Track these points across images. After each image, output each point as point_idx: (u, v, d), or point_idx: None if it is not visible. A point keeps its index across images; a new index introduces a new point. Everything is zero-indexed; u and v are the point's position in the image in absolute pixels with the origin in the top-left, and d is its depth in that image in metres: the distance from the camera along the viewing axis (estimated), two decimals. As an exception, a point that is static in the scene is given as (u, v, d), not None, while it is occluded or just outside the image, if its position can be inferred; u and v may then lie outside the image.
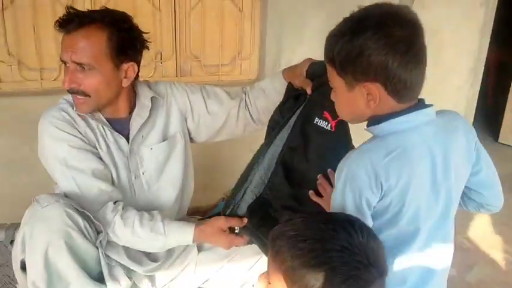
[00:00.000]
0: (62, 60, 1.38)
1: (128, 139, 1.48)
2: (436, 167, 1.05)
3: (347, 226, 0.85)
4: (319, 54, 2.37)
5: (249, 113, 1.63)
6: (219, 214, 1.52)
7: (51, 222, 1.26)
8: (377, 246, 0.87)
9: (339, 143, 1.31)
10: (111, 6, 2.15)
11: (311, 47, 2.53)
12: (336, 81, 1.06)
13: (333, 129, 1.31)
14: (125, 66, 1.40)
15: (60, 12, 1.48)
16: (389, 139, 1.02)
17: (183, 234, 1.41)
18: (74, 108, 1.41)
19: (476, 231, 2.48)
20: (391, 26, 0.97)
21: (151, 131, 1.52)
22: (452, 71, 2.93)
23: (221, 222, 1.40)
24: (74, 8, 1.36)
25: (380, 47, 0.96)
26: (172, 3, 2.30)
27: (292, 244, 0.85)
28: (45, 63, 2.18)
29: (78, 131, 1.40)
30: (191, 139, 1.67)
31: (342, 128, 1.32)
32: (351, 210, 1.01)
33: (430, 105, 1.06)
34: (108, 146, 1.45)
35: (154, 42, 2.31)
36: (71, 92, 1.37)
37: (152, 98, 1.51)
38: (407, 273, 1.08)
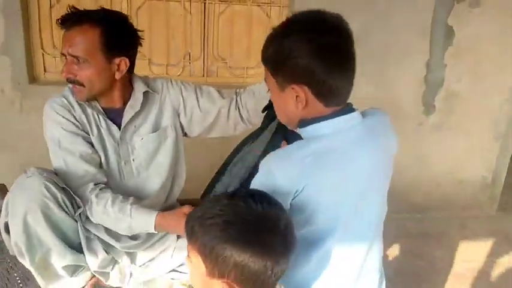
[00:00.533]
0: (63, 54, 1.52)
1: (120, 127, 1.61)
2: (358, 170, 1.06)
3: (247, 199, 0.90)
4: None
5: (239, 113, 1.71)
6: None
7: (30, 191, 1.41)
8: (278, 215, 0.91)
9: None
10: (145, 9, 2.39)
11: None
12: (270, 82, 1.11)
13: None
14: (117, 60, 1.52)
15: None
16: (313, 142, 1.05)
17: (147, 217, 1.47)
18: (74, 96, 1.59)
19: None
20: (316, 32, 1.01)
21: (144, 122, 1.64)
22: (493, 88, 2.78)
23: (185, 208, 1.45)
24: (74, 8, 1.52)
25: (305, 51, 1.00)
26: (202, 7, 2.46)
27: (200, 223, 0.92)
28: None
29: (74, 116, 1.54)
30: (185, 134, 1.77)
31: None
32: None
33: (354, 110, 1.08)
34: (100, 132, 1.58)
35: (183, 43, 2.51)
36: (69, 81, 1.52)
37: (145, 93, 1.64)
38: (320, 267, 1.11)
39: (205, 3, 2.45)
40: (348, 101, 1.12)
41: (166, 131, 1.67)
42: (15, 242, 1.43)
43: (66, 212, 1.47)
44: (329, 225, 1.08)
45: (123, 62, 1.55)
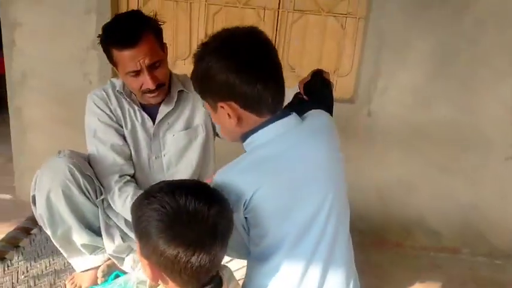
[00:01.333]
0: (134, 71, 1.53)
1: (154, 123, 1.68)
2: (301, 170, 1.03)
3: (174, 192, 0.89)
4: (423, 80, 2.26)
5: None
6: None
7: (55, 171, 1.52)
8: (199, 207, 0.89)
9: None
10: (222, 15, 2.48)
11: (415, 72, 2.42)
12: (205, 104, 1.12)
13: None
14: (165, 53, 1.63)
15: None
16: (254, 152, 1.04)
17: None
18: (117, 89, 1.65)
19: None
20: (232, 48, 1.01)
21: (177, 120, 1.70)
22: None
23: None
24: (124, 23, 1.53)
25: (221, 68, 1.00)
26: (276, 15, 2.48)
27: (134, 215, 0.94)
28: None
29: (110, 109, 1.64)
30: (217, 134, 1.80)
31: None
32: None
33: (290, 114, 1.06)
34: (133, 126, 1.66)
35: (255, 49, 2.53)
36: (158, 88, 1.57)
37: (180, 91, 1.69)
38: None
39: (279, 11, 2.47)
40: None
41: (197, 129, 1.71)
42: (40, 215, 1.57)
43: (87, 197, 1.57)
44: (282, 232, 1.04)
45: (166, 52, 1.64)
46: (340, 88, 2.57)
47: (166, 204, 0.86)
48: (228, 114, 1.04)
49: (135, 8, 2.55)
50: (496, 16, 2.31)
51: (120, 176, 1.61)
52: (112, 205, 1.61)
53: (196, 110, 1.73)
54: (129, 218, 1.56)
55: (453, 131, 2.49)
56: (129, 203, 1.55)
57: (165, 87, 1.63)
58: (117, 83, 1.69)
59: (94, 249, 1.64)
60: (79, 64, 2.54)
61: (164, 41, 1.66)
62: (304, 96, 1.52)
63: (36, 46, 2.60)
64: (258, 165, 1.02)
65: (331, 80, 1.61)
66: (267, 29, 2.50)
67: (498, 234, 2.66)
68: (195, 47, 2.53)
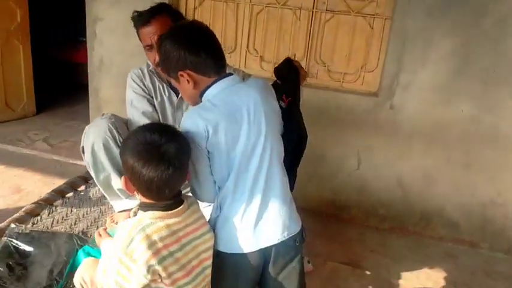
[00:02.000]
0: (147, 45, 1.90)
1: (177, 95, 2.03)
2: (247, 113, 1.36)
3: (146, 130, 1.24)
4: (444, 77, 2.43)
5: None
6: None
7: (98, 128, 1.91)
8: (165, 140, 1.21)
9: (290, 115, 1.65)
10: (263, 15, 2.85)
11: (436, 70, 2.58)
12: (172, 80, 1.47)
13: (285, 106, 1.66)
14: None
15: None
16: (208, 101, 1.37)
17: None
18: (150, 68, 2.03)
19: None
20: (180, 32, 1.40)
21: None
22: None
23: None
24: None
25: (174, 47, 1.36)
26: (310, 15, 2.78)
27: (121, 145, 1.31)
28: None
29: (144, 84, 2.02)
30: None
31: (293, 105, 1.65)
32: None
33: (230, 75, 1.41)
34: (162, 99, 2.03)
35: (291, 45, 2.87)
36: None
37: None
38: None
39: (313, 11, 2.76)
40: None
41: None
42: (87, 162, 1.99)
43: None
44: (231, 161, 1.37)
45: None
46: (367, 83, 2.80)
47: (139, 137, 1.23)
48: (187, 80, 1.38)
49: (192, 7, 2.99)
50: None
51: None
52: None
53: None
54: None
55: (473, 127, 2.61)
56: None
57: None
58: (149, 63, 2.09)
59: (128, 194, 2.05)
60: (143, 53, 3.02)
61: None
62: (278, 81, 1.84)
63: (112, 38, 3.15)
64: (213, 107, 1.36)
65: (301, 67, 1.92)
66: (301, 27, 2.81)
67: (518, 233, 2.72)
68: (240, 42, 2.93)
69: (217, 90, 1.38)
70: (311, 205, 2.92)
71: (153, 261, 1.16)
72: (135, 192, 1.27)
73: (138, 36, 1.93)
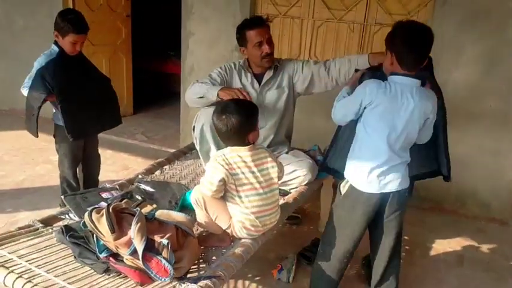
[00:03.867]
0: (259, 42, 2.55)
1: (260, 84, 2.69)
2: (402, 106, 1.92)
3: (230, 106, 1.92)
4: (472, 79, 2.99)
5: (328, 74, 2.59)
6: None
7: (207, 114, 2.46)
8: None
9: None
10: (323, 28, 3.51)
11: (465, 72, 3.10)
12: (387, 54, 1.99)
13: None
14: None
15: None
16: (387, 83, 1.92)
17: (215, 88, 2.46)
18: (240, 64, 2.69)
19: None
20: (410, 30, 1.94)
21: (273, 82, 2.68)
22: None
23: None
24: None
25: (399, 40, 1.92)
26: (362, 28, 3.39)
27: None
28: None
29: (227, 73, 2.67)
30: (298, 93, 2.74)
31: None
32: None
33: (419, 79, 1.92)
34: (243, 85, 2.66)
35: (345, 53, 3.49)
36: (270, 54, 2.58)
37: (275, 66, 2.68)
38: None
39: (364, 25, 3.38)
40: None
41: (284, 88, 2.69)
42: (195, 137, 2.69)
43: None
44: (377, 127, 1.95)
45: None
46: (409, 83, 3.35)
47: (230, 105, 1.92)
48: (390, 59, 1.92)
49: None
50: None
51: None
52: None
53: (284, 76, 2.70)
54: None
55: (500, 119, 3.08)
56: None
57: (273, 56, 2.65)
58: (240, 61, 2.76)
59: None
60: (225, 61, 3.77)
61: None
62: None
63: (200, 49, 3.94)
64: (387, 89, 1.89)
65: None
66: (354, 38, 3.44)
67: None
68: (303, 50, 3.60)
69: (399, 81, 1.91)
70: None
71: (227, 172, 1.85)
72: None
73: (245, 36, 2.59)
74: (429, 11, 3.18)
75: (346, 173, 2.09)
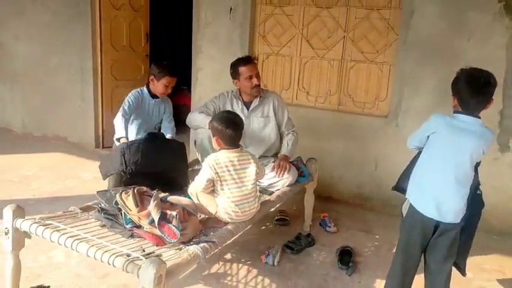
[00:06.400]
0: (249, 76, 3.22)
1: (248, 109, 3.30)
2: (460, 143, 2.14)
3: (229, 114, 2.60)
4: (430, 105, 3.64)
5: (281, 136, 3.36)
6: None
7: (205, 131, 3.12)
8: (241, 120, 2.57)
9: None
10: (309, 64, 4.19)
11: (425, 99, 3.76)
12: None
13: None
14: None
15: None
16: (452, 118, 2.17)
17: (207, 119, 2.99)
18: (233, 93, 3.32)
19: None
20: (470, 76, 2.17)
21: (259, 111, 3.30)
22: None
23: None
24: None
25: (462, 84, 2.19)
26: (340, 64, 4.09)
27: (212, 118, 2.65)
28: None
29: (220, 100, 3.31)
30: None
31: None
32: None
33: (477, 117, 2.12)
34: (234, 109, 3.21)
35: (327, 85, 4.18)
36: (257, 86, 3.23)
37: (261, 97, 3.33)
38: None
39: (342, 61, 4.08)
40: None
41: (269, 119, 3.32)
42: (198, 149, 3.30)
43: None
44: (437, 154, 2.19)
45: None
46: (380, 109, 4.01)
47: (224, 114, 2.58)
48: (454, 104, 2.19)
49: (261, 60, 4.43)
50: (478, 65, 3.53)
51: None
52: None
53: (270, 107, 3.35)
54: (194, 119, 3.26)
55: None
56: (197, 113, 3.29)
57: (260, 87, 3.29)
58: (233, 90, 3.41)
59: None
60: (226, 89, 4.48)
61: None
62: None
63: (208, 81, 4.66)
64: (448, 124, 2.13)
65: None
66: (334, 72, 4.13)
67: (494, 216, 3.67)
68: (293, 82, 4.33)
69: (460, 118, 2.14)
70: (342, 197, 4.12)
71: (215, 170, 2.45)
72: (219, 146, 2.58)
73: (237, 71, 3.24)
74: (393, 49, 3.87)
75: None
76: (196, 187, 2.55)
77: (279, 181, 3.14)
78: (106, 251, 2.10)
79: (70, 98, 5.50)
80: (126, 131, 3.15)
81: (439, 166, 2.16)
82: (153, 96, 3.39)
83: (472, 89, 2.08)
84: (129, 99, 3.28)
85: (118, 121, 3.18)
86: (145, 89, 3.36)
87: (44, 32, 5.53)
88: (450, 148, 2.12)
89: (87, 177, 4.59)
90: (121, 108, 3.26)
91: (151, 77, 3.27)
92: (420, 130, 2.28)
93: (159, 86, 3.26)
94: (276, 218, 3.73)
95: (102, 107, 5.43)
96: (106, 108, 5.42)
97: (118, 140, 3.12)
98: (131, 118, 3.32)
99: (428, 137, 2.21)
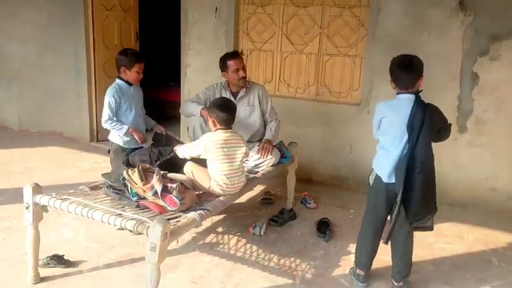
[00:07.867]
0: (236, 68, 3.64)
1: (235, 99, 3.68)
2: (402, 117, 2.54)
3: (223, 99, 3.01)
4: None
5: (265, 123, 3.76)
6: None
7: (197, 118, 3.60)
8: (233, 105, 2.98)
9: None
10: (289, 59, 4.61)
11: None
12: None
13: None
14: None
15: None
16: (394, 100, 2.66)
17: (198, 107, 3.56)
18: (222, 84, 3.73)
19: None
20: (403, 60, 2.67)
21: (246, 100, 3.70)
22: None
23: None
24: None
25: (394, 68, 2.65)
26: (317, 58, 4.51)
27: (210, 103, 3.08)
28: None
29: (210, 91, 3.71)
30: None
31: None
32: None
33: (412, 94, 2.56)
34: None
35: (306, 76, 4.60)
36: (243, 78, 3.65)
37: (247, 88, 3.74)
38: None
39: (318, 55, 4.50)
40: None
41: (254, 107, 3.73)
42: (190, 134, 3.71)
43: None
44: (391, 134, 2.67)
45: None
46: (353, 97, 4.44)
47: (220, 100, 2.98)
48: (391, 83, 2.65)
49: (245, 55, 4.81)
50: (438, 56, 3.99)
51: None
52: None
53: (255, 97, 3.75)
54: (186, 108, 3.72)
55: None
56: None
57: (246, 79, 3.69)
58: (222, 82, 3.81)
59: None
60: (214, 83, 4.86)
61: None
62: None
63: (195, 76, 5.04)
64: (392, 105, 2.60)
65: None
66: (311, 65, 4.55)
67: (455, 191, 4.13)
68: (275, 75, 4.76)
69: (402, 97, 2.58)
70: (321, 178, 4.55)
71: (208, 146, 2.85)
72: (215, 127, 2.98)
73: (226, 64, 3.63)
74: (364, 43, 4.31)
75: None
76: (184, 152, 3.02)
77: (264, 161, 3.53)
78: (118, 217, 2.48)
79: (65, 95, 5.81)
80: (122, 124, 3.41)
81: (391, 140, 2.61)
82: (129, 84, 3.47)
83: (400, 69, 2.57)
84: (110, 100, 3.37)
85: (109, 126, 3.40)
86: (119, 80, 3.44)
87: (38, 32, 5.82)
88: (397, 124, 2.55)
89: (85, 167, 4.94)
90: (105, 113, 3.38)
91: (122, 68, 3.36)
92: (374, 121, 2.74)
93: (133, 74, 3.37)
94: (262, 197, 4.14)
95: (96, 102, 5.75)
96: (100, 103, 5.72)
97: (125, 134, 3.42)
98: (122, 108, 3.45)
99: (380, 121, 2.67)
